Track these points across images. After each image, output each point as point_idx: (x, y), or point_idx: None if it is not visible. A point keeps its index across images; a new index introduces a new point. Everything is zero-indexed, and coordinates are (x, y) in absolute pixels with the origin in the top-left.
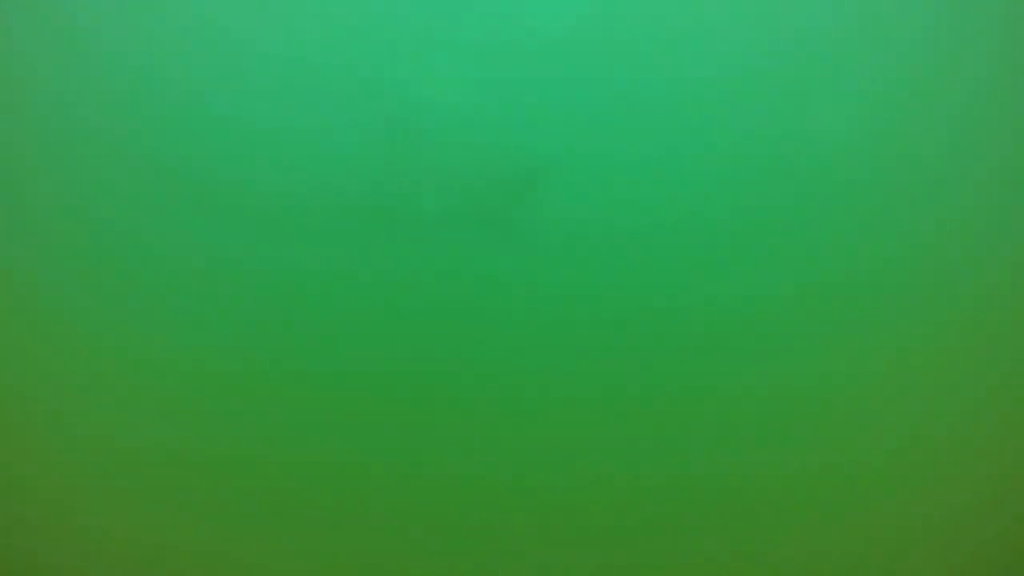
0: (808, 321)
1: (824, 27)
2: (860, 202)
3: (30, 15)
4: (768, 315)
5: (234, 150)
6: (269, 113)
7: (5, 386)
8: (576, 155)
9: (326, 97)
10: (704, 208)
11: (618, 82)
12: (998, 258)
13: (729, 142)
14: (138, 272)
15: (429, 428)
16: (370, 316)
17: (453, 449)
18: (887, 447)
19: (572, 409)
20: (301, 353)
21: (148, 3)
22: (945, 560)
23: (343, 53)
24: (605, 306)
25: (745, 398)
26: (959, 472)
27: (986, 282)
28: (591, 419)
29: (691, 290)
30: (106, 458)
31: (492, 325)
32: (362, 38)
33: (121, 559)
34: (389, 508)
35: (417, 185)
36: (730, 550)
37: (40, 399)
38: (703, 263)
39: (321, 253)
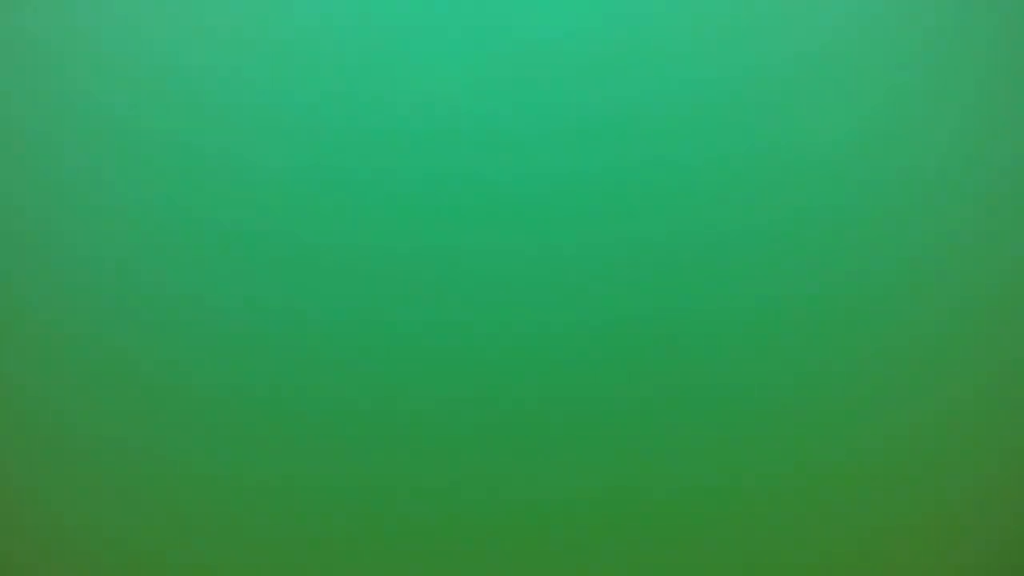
0: (810, 327)
1: (829, 34)
2: (859, 208)
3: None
4: (771, 320)
5: None
6: None
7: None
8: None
9: None
10: (707, 218)
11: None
12: (1001, 259)
13: (731, 151)
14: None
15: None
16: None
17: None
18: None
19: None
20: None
21: None
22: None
23: None
24: (612, 313)
25: (746, 399)
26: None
27: (989, 283)
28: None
29: (697, 295)
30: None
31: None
32: None
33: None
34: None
35: None
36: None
37: (38, 400)
38: (706, 271)
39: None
